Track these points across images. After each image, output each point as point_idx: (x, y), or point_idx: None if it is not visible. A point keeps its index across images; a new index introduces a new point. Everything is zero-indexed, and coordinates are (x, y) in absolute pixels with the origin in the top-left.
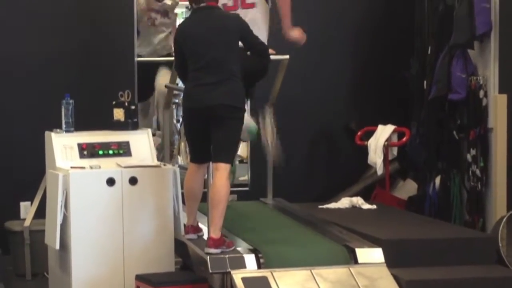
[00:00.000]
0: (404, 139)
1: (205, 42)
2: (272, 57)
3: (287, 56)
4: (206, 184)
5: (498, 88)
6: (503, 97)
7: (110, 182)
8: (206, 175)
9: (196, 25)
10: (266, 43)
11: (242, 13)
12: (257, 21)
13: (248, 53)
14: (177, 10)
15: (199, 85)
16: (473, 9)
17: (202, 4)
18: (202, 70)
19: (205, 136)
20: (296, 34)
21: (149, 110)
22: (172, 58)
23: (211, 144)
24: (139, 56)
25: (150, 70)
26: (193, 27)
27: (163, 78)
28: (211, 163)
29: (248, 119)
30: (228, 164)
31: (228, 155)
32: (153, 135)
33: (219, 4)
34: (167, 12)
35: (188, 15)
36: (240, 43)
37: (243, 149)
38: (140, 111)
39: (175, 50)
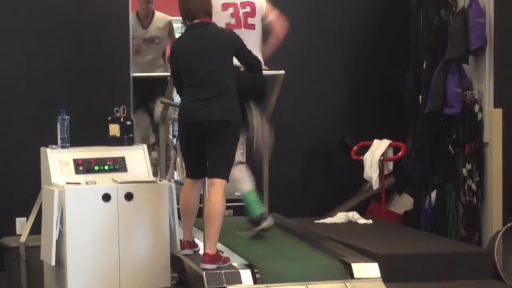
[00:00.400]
0: (400, 153)
1: (200, 58)
2: (267, 72)
3: (282, 72)
4: (202, 199)
5: (493, 103)
6: (498, 112)
7: (106, 197)
8: (202, 191)
9: (190, 41)
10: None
11: (244, 33)
12: (255, 43)
13: (242, 69)
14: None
15: (194, 101)
16: (468, 24)
17: (196, 21)
18: (197, 86)
19: (201, 151)
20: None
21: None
22: (166, 74)
23: (207, 159)
24: None
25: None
26: (188, 43)
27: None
28: (206, 178)
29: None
30: (223, 179)
31: (224, 171)
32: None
33: (223, 24)
34: (153, 39)
35: (183, 31)
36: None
37: None
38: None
39: (170, 66)
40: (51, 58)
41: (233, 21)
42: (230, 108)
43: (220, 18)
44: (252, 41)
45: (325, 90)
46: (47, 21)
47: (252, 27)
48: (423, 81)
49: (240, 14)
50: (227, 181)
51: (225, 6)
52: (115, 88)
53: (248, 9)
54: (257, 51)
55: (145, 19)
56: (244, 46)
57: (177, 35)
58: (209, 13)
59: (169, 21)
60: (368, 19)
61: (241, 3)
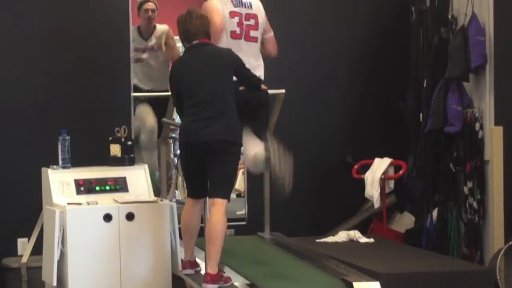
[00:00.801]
0: (401, 172)
1: (200, 77)
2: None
3: (283, 90)
4: (203, 219)
5: (494, 121)
6: (499, 129)
7: (107, 218)
8: (203, 210)
9: (190, 62)
10: (262, 74)
11: (245, 44)
12: (254, 55)
13: (241, 88)
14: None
15: (195, 121)
16: (468, 42)
17: (195, 42)
18: (197, 106)
19: (202, 171)
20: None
21: None
22: (167, 94)
23: (208, 179)
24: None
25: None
26: (188, 64)
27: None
28: (207, 198)
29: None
30: (225, 199)
31: (225, 191)
32: None
33: (228, 30)
34: (152, 47)
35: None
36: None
37: (240, 183)
38: None
39: (171, 87)
40: (52, 79)
41: (238, 30)
42: (231, 128)
43: (228, 25)
44: (255, 54)
45: (326, 108)
46: (47, 40)
47: (255, 40)
48: (423, 99)
49: (244, 26)
50: (228, 201)
51: (232, 14)
52: (116, 109)
53: (251, 21)
54: (260, 65)
55: (146, 32)
56: (243, 65)
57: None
58: (207, 34)
59: (166, 29)
60: (368, 37)
61: (246, 14)
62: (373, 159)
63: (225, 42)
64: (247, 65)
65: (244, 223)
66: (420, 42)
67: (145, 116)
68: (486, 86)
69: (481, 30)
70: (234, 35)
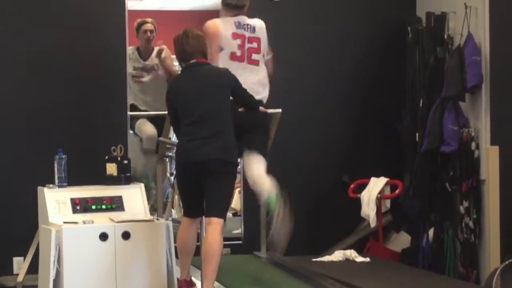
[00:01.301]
0: (397, 191)
1: (197, 97)
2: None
3: (279, 110)
4: (199, 238)
5: (490, 140)
6: (495, 149)
7: (103, 237)
8: (199, 229)
9: (187, 81)
10: (267, 92)
11: (248, 67)
12: (258, 76)
13: (240, 109)
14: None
15: (191, 140)
16: (464, 62)
17: (192, 61)
18: (194, 125)
19: (198, 190)
20: None
21: None
22: (163, 113)
23: (204, 198)
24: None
25: None
26: (185, 83)
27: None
28: (204, 217)
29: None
30: (221, 218)
31: (221, 210)
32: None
33: (229, 51)
34: (153, 67)
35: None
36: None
37: (236, 202)
38: None
39: (168, 107)
40: (48, 97)
41: (238, 52)
42: (228, 147)
43: (229, 46)
44: (260, 76)
45: (322, 128)
46: (44, 59)
47: (256, 63)
48: (419, 119)
49: (245, 49)
50: (224, 220)
51: (234, 35)
52: (112, 127)
53: (254, 44)
54: (264, 86)
55: (146, 53)
56: (240, 85)
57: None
58: (204, 54)
59: (162, 48)
60: (365, 57)
61: (249, 37)
62: (370, 178)
63: (224, 63)
64: (248, 87)
65: (240, 242)
66: (416, 61)
67: (144, 127)
68: (482, 106)
69: (477, 50)
70: (233, 57)
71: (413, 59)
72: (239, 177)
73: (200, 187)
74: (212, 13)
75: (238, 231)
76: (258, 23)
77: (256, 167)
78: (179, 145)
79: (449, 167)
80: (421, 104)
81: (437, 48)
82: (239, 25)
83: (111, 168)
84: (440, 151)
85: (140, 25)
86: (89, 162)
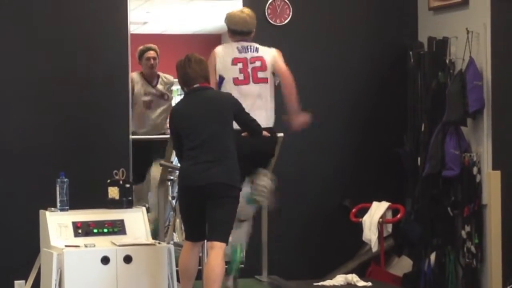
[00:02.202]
0: (399, 215)
1: (201, 121)
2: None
3: (281, 134)
4: (201, 261)
5: (492, 165)
6: (497, 174)
7: (105, 260)
8: (200, 253)
9: (190, 106)
10: (273, 116)
11: (254, 87)
12: (266, 96)
13: (244, 134)
14: (173, 87)
15: (195, 164)
16: (466, 86)
17: (195, 86)
18: (197, 149)
19: (200, 214)
20: (303, 119)
21: (142, 192)
22: (165, 136)
23: (206, 222)
24: (134, 134)
25: (144, 148)
26: (188, 108)
27: (156, 168)
28: (206, 241)
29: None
30: (223, 243)
31: (224, 234)
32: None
33: (230, 78)
34: (163, 95)
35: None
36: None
37: None
38: (135, 193)
39: (171, 131)
40: (50, 121)
41: (241, 76)
42: (231, 172)
43: (230, 73)
44: (266, 94)
45: (324, 152)
46: (46, 83)
47: (264, 81)
48: (421, 143)
49: (249, 70)
50: (227, 244)
51: (234, 61)
52: (114, 151)
53: (258, 63)
54: (271, 104)
55: (151, 78)
56: (243, 109)
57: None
58: (207, 79)
59: (172, 82)
60: (367, 81)
61: (251, 58)
62: (371, 202)
63: (228, 89)
64: (256, 108)
65: (241, 266)
66: (418, 86)
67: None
68: (484, 131)
69: (478, 74)
70: (236, 82)
71: (415, 83)
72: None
73: (202, 211)
74: (215, 37)
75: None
76: (264, 47)
77: (266, 180)
78: (182, 169)
79: (451, 191)
80: (423, 129)
81: (439, 72)
82: (241, 49)
83: (113, 192)
84: (442, 176)
85: (143, 52)
86: (91, 186)
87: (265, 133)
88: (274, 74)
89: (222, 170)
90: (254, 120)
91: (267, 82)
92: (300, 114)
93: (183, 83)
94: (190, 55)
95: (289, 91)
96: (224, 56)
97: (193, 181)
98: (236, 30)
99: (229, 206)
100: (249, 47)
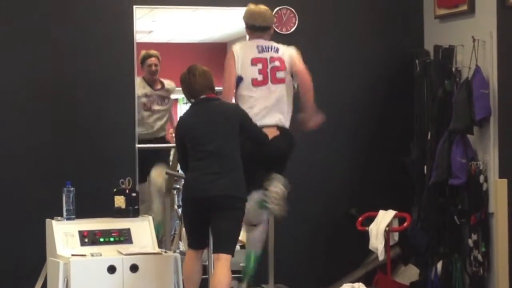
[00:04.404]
0: (405, 224)
1: (207, 133)
2: None
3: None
4: (207, 272)
5: (498, 173)
6: (503, 182)
7: (111, 269)
8: (205, 262)
9: (197, 117)
10: (289, 117)
11: (272, 87)
12: (283, 97)
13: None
14: (176, 96)
15: (202, 175)
16: (472, 94)
17: (202, 96)
18: (204, 160)
19: (204, 224)
20: (318, 119)
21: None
22: (170, 145)
23: (212, 233)
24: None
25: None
26: (194, 119)
27: (156, 172)
28: (212, 253)
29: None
30: (229, 254)
31: (230, 246)
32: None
33: (249, 78)
34: (163, 98)
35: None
36: None
37: (243, 234)
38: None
39: (176, 142)
40: (56, 129)
41: (260, 77)
42: (238, 183)
43: (249, 74)
44: (283, 95)
45: (331, 161)
46: (53, 91)
47: (282, 81)
48: (427, 151)
49: (268, 70)
50: (233, 256)
51: (254, 61)
52: (120, 160)
53: (277, 63)
54: (288, 105)
55: (153, 83)
56: (250, 120)
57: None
58: (212, 89)
59: (174, 87)
60: (373, 90)
61: (270, 57)
62: (378, 211)
63: (247, 91)
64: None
65: (255, 273)
66: (424, 94)
67: (154, 177)
68: (491, 139)
69: (485, 83)
70: (255, 83)
71: (421, 92)
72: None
73: (207, 220)
74: (221, 45)
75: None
76: (283, 46)
77: (280, 187)
78: (188, 180)
79: (457, 200)
80: (429, 137)
81: (445, 81)
82: (262, 49)
83: (119, 201)
84: (448, 184)
85: (144, 58)
86: (97, 195)
87: (273, 130)
88: (292, 75)
89: (229, 181)
90: (262, 132)
91: (284, 82)
92: (316, 114)
93: (189, 96)
94: (193, 69)
95: (306, 90)
96: (243, 55)
97: (199, 192)
98: (255, 25)
99: (235, 218)
100: (269, 46)
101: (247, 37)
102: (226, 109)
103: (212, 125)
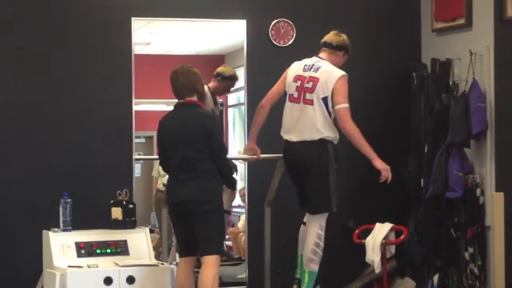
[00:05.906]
0: (402, 237)
1: (178, 139)
2: (268, 156)
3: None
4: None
5: (495, 186)
6: (500, 195)
7: (108, 281)
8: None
9: (172, 123)
10: (326, 139)
11: (302, 107)
12: (312, 118)
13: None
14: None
15: (174, 181)
16: (469, 108)
17: (181, 101)
18: (175, 166)
19: (188, 228)
20: (385, 175)
21: None
22: None
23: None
24: None
25: None
26: (171, 124)
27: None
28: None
29: None
30: (214, 255)
31: (213, 247)
32: (151, 231)
33: (288, 94)
34: (213, 111)
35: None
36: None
37: (239, 247)
38: None
39: (157, 144)
40: (53, 141)
41: (295, 94)
42: (203, 187)
43: (290, 89)
44: (311, 117)
45: None
46: (50, 104)
47: (310, 102)
48: (424, 164)
49: (303, 88)
50: (221, 254)
51: (296, 78)
52: (117, 172)
53: (310, 84)
54: (319, 129)
55: (214, 97)
56: (217, 134)
57: None
58: (196, 90)
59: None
60: (370, 103)
61: (309, 77)
62: (374, 224)
63: (287, 105)
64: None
65: (244, 287)
66: (421, 107)
67: None
68: (487, 152)
69: (482, 96)
70: (291, 99)
71: (418, 105)
72: (243, 218)
73: (190, 225)
74: (219, 58)
75: (243, 276)
76: (326, 66)
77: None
78: (167, 184)
79: (454, 213)
80: (426, 150)
81: (442, 94)
82: (307, 67)
83: (116, 212)
84: (445, 197)
85: (230, 78)
86: (94, 206)
87: (256, 156)
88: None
89: (196, 187)
90: (222, 149)
91: (312, 104)
92: (383, 169)
93: (174, 94)
94: (180, 67)
95: (344, 133)
96: (292, 71)
97: (174, 196)
98: (321, 41)
99: (211, 219)
100: (313, 65)
101: None
102: (198, 117)
103: (182, 133)
